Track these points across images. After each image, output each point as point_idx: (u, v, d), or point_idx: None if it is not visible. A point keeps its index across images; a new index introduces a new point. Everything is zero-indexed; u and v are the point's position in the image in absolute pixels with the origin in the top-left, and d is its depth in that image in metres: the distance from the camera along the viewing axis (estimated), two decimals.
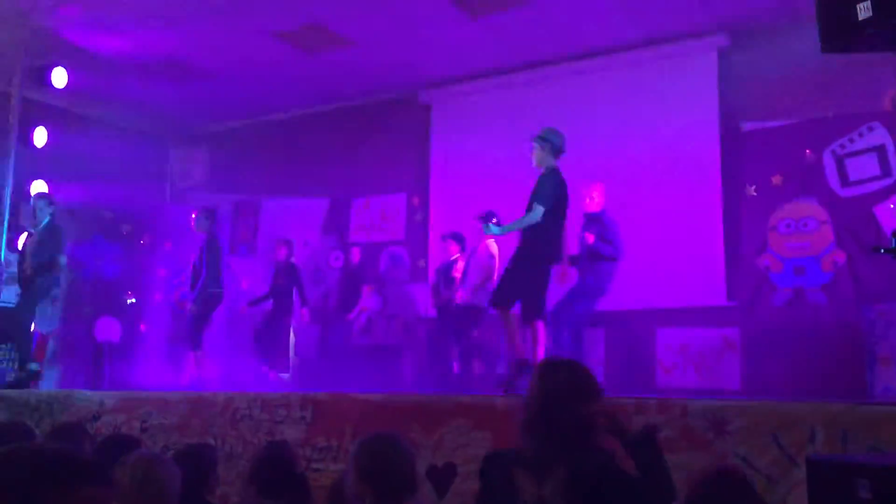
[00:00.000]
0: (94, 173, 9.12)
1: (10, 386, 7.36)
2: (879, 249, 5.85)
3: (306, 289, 9.14)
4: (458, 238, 8.31)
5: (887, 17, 2.61)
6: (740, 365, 7.51)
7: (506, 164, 9.02)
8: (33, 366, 7.59)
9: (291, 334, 10.11)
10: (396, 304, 9.09)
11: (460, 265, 8.13)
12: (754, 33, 7.98)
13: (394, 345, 9.08)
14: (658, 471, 2.48)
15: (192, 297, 8.07)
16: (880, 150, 7.26)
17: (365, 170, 10.09)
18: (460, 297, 7.81)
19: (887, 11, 2.60)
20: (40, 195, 8.10)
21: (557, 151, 6.01)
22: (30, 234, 7.80)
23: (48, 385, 8.37)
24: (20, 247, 8.06)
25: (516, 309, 5.77)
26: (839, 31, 2.77)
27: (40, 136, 8.78)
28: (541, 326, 5.68)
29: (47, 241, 7.59)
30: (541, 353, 5.62)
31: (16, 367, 7.69)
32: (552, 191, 5.80)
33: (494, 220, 7.26)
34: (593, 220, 6.81)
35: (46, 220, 7.71)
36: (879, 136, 7.28)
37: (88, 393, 6.81)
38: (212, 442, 5.31)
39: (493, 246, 7.75)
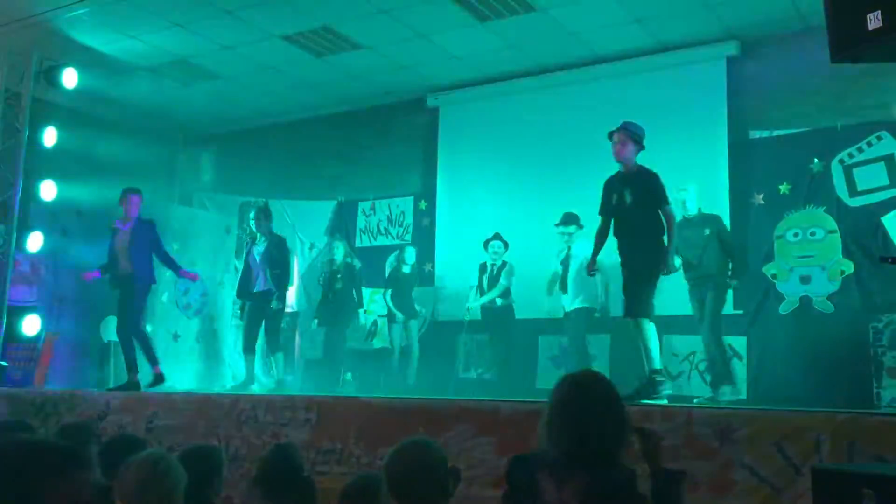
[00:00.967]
0: (103, 174, 9.14)
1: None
2: (887, 259, 5.85)
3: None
4: (503, 240, 8.41)
5: None
6: (746, 373, 7.49)
7: (513, 169, 9.04)
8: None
9: (297, 336, 10.13)
10: (401, 307, 9.08)
11: (508, 267, 8.35)
12: (763, 42, 7.98)
13: (400, 348, 9.07)
14: None
15: (258, 297, 7.86)
16: (888, 160, 7.25)
17: (372, 173, 10.11)
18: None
19: None
20: None
21: (638, 146, 5.76)
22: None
23: (54, 385, 8.39)
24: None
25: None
26: (849, 41, 2.77)
27: (50, 136, 8.82)
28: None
29: None
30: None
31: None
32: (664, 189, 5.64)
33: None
34: None
35: None
36: (888, 145, 7.26)
37: (94, 393, 6.83)
38: (217, 443, 5.31)
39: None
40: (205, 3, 7.73)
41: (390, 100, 10.01)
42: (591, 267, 5.91)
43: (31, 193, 8.72)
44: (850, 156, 7.43)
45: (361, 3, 7.66)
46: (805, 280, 7.47)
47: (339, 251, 9.26)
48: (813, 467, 2.29)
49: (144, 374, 7.33)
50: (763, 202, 7.80)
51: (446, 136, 9.73)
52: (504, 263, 8.40)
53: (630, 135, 5.69)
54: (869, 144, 7.35)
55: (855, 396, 6.82)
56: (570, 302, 7.78)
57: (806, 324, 7.36)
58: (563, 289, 7.81)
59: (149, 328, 10.50)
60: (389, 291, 9.06)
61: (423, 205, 9.80)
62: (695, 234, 6.91)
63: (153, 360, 7.32)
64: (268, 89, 9.86)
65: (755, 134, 8.00)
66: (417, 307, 9.07)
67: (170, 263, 7.66)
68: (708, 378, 7.30)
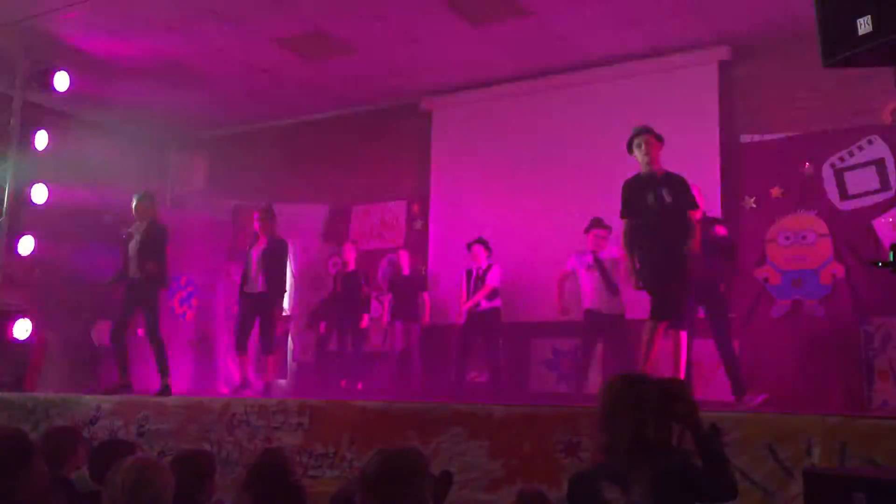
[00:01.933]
0: (95, 177, 9.11)
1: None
2: (878, 263, 5.87)
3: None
4: (486, 244, 8.36)
5: (887, 32, 2.62)
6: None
7: (505, 173, 9.05)
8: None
9: (289, 339, 10.10)
10: (395, 310, 9.07)
11: (495, 271, 8.28)
12: (755, 46, 8.00)
13: (392, 351, 9.06)
14: (723, 465, 2.65)
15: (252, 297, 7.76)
16: (879, 164, 7.28)
17: (365, 177, 10.10)
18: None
19: (887, 26, 2.61)
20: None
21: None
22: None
23: (45, 389, 8.34)
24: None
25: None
26: (840, 45, 2.78)
27: (41, 140, 8.78)
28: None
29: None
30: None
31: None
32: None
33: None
34: None
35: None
36: (879, 149, 7.29)
37: (85, 397, 6.80)
38: (208, 448, 5.30)
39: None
40: (198, 7, 7.72)
41: (383, 104, 10.01)
42: (638, 278, 5.65)
43: (22, 197, 8.68)
44: (842, 159, 7.46)
45: (354, 7, 7.66)
46: (797, 283, 7.49)
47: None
48: (805, 470, 2.29)
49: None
50: (754, 206, 7.82)
51: (439, 140, 9.73)
52: (489, 266, 8.34)
53: (657, 137, 5.69)
54: (860, 148, 7.38)
55: (846, 399, 6.85)
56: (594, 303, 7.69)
57: (798, 327, 7.38)
58: (613, 291, 7.57)
59: (139, 332, 10.50)
60: (391, 296, 9.04)
61: (416, 208, 9.79)
62: None
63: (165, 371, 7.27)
64: (260, 92, 9.84)
65: (747, 138, 8.02)
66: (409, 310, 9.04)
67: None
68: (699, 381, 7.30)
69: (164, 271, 7.47)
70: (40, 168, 8.81)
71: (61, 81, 8.65)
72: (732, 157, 8.00)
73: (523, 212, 8.80)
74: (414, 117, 9.87)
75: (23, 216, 8.71)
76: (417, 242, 9.64)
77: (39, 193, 8.74)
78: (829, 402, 6.89)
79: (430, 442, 4.71)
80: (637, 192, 5.67)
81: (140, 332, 10.04)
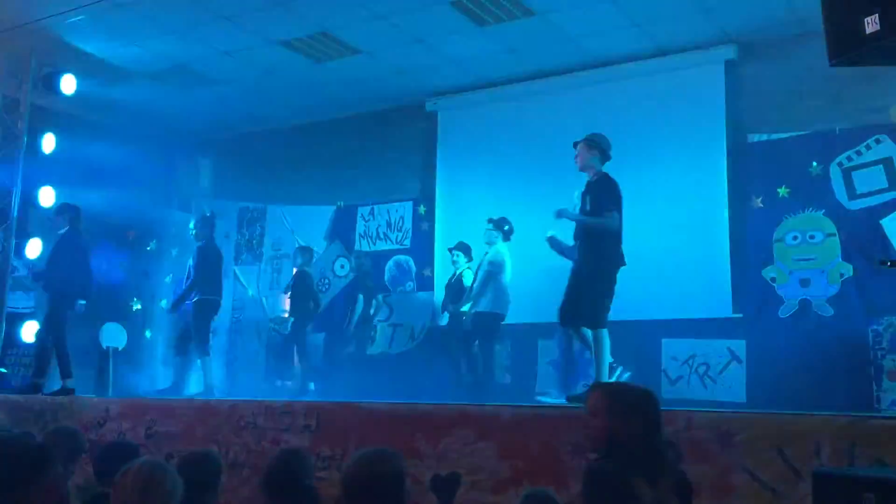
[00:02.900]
0: (102, 180, 9.14)
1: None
2: (886, 262, 5.85)
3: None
4: (466, 249, 8.32)
5: (895, 31, 2.61)
6: (746, 377, 7.49)
7: (512, 173, 9.04)
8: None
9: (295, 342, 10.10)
10: (402, 312, 9.08)
11: (468, 275, 8.17)
12: (762, 45, 7.98)
13: (399, 354, 9.06)
14: None
15: (189, 304, 8.09)
16: (887, 163, 7.25)
17: (371, 178, 10.10)
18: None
19: (895, 25, 2.60)
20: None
21: (605, 157, 5.97)
22: None
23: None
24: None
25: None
26: (847, 44, 2.77)
27: (48, 143, 8.82)
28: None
29: None
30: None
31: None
32: (618, 195, 5.77)
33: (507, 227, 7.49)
34: None
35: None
36: (887, 148, 7.27)
37: (94, 399, 6.83)
38: (216, 449, 5.30)
39: (501, 255, 7.78)
40: (204, 9, 7.73)
41: (389, 105, 10.01)
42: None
43: (29, 200, 8.72)
44: (849, 159, 7.43)
45: (360, 8, 7.66)
46: (804, 283, 7.46)
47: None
48: (813, 471, 2.28)
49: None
50: (762, 205, 7.80)
51: (445, 141, 9.73)
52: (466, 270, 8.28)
53: (588, 143, 5.95)
54: (868, 147, 7.36)
55: (855, 400, 6.82)
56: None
57: (805, 327, 7.36)
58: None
59: (148, 334, 10.54)
60: (392, 297, 9.05)
61: (422, 209, 9.79)
62: None
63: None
64: (267, 95, 9.86)
65: (754, 137, 8.00)
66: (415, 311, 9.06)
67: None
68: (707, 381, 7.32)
69: (67, 281, 7.69)
70: (48, 171, 8.86)
71: (68, 84, 8.69)
72: (740, 157, 7.98)
73: (530, 212, 8.78)
74: (420, 118, 9.87)
75: (30, 219, 8.75)
76: (423, 243, 9.64)
77: (47, 196, 8.78)
78: (837, 402, 6.86)
79: (438, 443, 4.71)
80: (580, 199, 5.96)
81: (148, 334, 10.12)
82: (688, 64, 8.31)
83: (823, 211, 7.49)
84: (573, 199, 6.23)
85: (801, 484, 3.62)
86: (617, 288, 7.50)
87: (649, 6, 7.55)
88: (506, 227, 7.98)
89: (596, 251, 5.71)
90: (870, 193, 7.30)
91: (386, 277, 9.66)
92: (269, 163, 10.73)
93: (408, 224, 9.87)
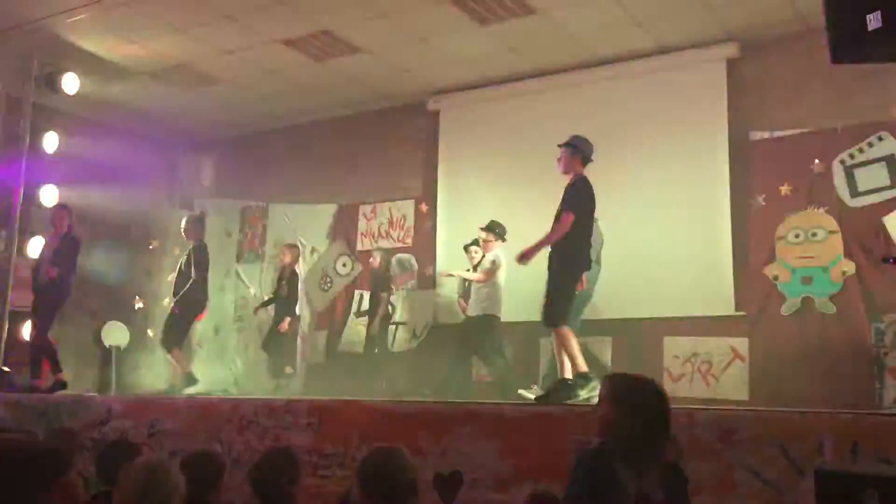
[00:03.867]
0: (104, 178, 9.16)
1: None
2: (888, 259, 5.85)
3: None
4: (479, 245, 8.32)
5: None
6: (748, 375, 7.48)
7: (514, 172, 9.03)
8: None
9: (298, 340, 10.11)
10: (403, 311, 9.08)
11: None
12: (763, 43, 7.97)
13: (401, 353, 9.06)
14: None
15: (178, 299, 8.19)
16: (890, 160, 7.24)
17: (373, 176, 10.10)
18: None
19: None
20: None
21: (586, 159, 6.01)
22: None
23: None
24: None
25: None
26: (849, 42, 2.77)
27: (51, 142, 8.83)
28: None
29: None
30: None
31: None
32: (581, 199, 5.83)
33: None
34: None
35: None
36: (889, 145, 7.26)
37: (96, 398, 6.83)
38: (218, 448, 5.31)
39: (500, 258, 7.78)
40: (205, 8, 7.74)
41: (390, 103, 10.01)
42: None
43: (32, 199, 8.73)
44: (851, 156, 7.42)
45: (361, 7, 7.67)
46: (807, 281, 7.46)
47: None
48: (816, 469, 2.28)
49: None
50: (764, 203, 7.80)
51: (447, 139, 9.72)
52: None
53: (570, 146, 6.01)
54: (870, 145, 7.35)
55: (858, 397, 6.81)
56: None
57: (808, 325, 7.36)
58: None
59: (150, 332, 10.55)
60: (395, 296, 9.03)
61: (423, 208, 9.79)
62: None
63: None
64: (268, 93, 9.86)
65: (756, 135, 7.99)
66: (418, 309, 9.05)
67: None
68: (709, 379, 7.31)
69: (67, 280, 7.82)
70: (50, 170, 8.87)
71: (70, 84, 8.70)
72: (741, 155, 7.97)
73: (531, 211, 8.78)
74: (421, 117, 9.87)
75: (33, 218, 8.77)
76: (425, 242, 9.64)
77: (49, 195, 8.79)
78: (840, 399, 6.85)
79: (440, 442, 4.71)
80: None
81: (150, 332, 10.13)
82: (689, 62, 8.30)
83: (826, 208, 7.48)
84: None
85: (803, 481, 3.62)
86: (618, 286, 7.53)
87: (651, 4, 7.55)
88: (497, 230, 7.99)
89: (557, 252, 5.83)
90: (872, 191, 7.29)
91: (388, 276, 9.64)
92: (271, 161, 10.73)
93: (409, 222, 9.87)
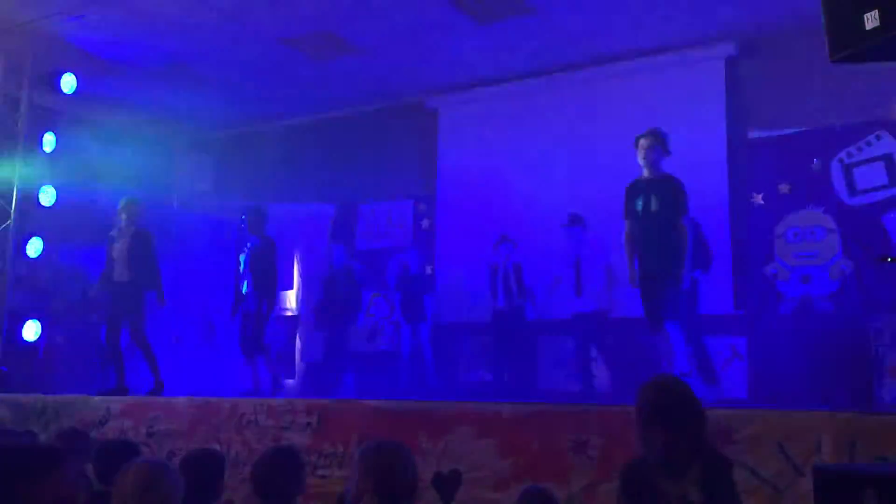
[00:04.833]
0: (102, 178, 9.14)
1: None
2: (887, 258, 5.85)
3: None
4: (512, 240, 8.34)
5: (895, 26, 2.60)
6: (747, 373, 7.49)
7: (513, 171, 9.04)
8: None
9: (297, 340, 10.12)
10: (403, 310, 9.06)
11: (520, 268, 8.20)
12: (762, 42, 7.98)
13: (401, 351, 9.05)
14: None
15: (253, 301, 7.52)
16: (888, 159, 7.25)
17: (371, 176, 10.10)
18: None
19: (895, 20, 2.59)
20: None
21: (666, 154, 5.77)
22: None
23: (55, 390, 8.38)
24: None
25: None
26: (847, 40, 2.76)
27: (49, 142, 8.81)
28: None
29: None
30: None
31: None
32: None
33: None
34: None
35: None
36: (887, 144, 7.27)
37: (95, 398, 6.82)
38: (218, 448, 5.31)
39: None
40: (203, 8, 7.73)
41: (389, 102, 10.01)
42: (635, 278, 5.73)
43: (29, 199, 8.71)
44: (850, 155, 7.43)
45: (360, 6, 7.66)
46: (805, 280, 7.46)
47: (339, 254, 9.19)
48: (814, 467, 2.28)
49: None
50: (763, 202, 7.80)
51: (445, 139, 9.73)
52: (517, 265, 8.27)
53: (658, 140, 5.69)
54: (868, 144, 7.36)
55: (856, 396, 6.82)
56: (580, 304, 7.70)
57: (806, 323, 7.36)
58: (578, 291, 7.66)
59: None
60: (398, 295, 9.01)
61: (422, 207, 9.79)
62: None
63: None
64: (267, 93, 9.86)
65: (754, 134, 8.00)
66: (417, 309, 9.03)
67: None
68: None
69: (156, 275, 7.48)
70: (48, 170, 8.85)
71: (68, 83, 8.68)
72: (740, 154, 7.98)
73: (530, 210, 8.80)
74: (420, 116, 9.87)
75: (31, 218, 8.75)
76: (424, 241, 9.64)
77: (47, 195, 8.78)
78: (838, 398, 6.86)
79: (439, 441, 4.72)
80: (630, 196, 5.77)
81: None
82: (688, 61, 8.31)
83: (824, 207, 7.49)
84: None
85: (801, 480, 3.62)
86: (619, 285, 7.56)
87: (649, 3, 7.54)
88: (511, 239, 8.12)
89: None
90: (870, 190, 7.30)
91: (387, 275, 9.65)
92: (270, 161, 10.71)
93: (408, 222, 9.87)
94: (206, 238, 10.61)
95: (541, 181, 8.79)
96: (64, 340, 9.12)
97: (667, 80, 8.31)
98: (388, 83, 9.51)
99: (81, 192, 9.13)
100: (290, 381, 9.63)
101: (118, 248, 7.44)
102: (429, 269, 9.50)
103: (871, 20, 2.61)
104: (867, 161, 7.33)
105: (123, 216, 7.55)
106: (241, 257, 7.79)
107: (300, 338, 10.13)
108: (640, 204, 5.65)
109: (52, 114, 9.15)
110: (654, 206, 5.58)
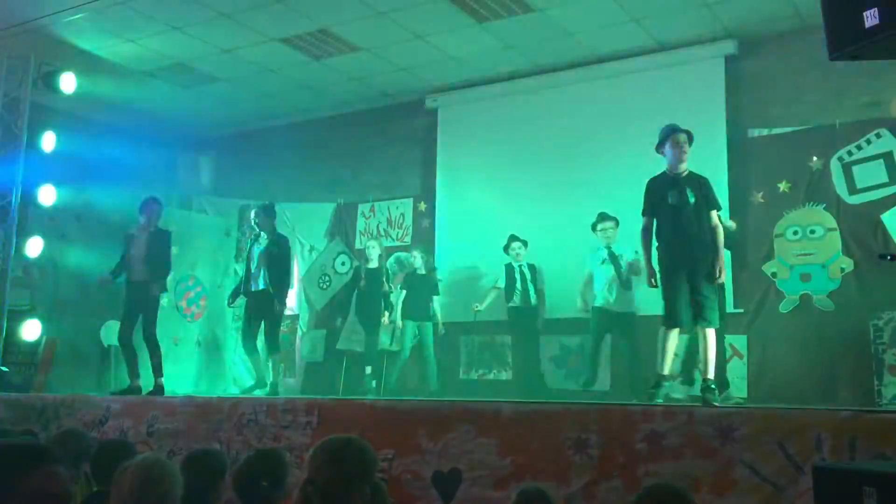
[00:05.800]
0: (102, 178, 9.14)
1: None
2: (886, 256, 5.84)
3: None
4: (521, 239, 8.27)
5: (894, 25, 2.60)
6: (747, 372, 7.49)
7: (512, 169, 9.04)
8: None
9: (297, 339, 10.11)
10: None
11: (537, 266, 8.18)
12: (761, 40, 7.98)
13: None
14: None
15: (269, 299, 7.43)
16: (888, 157, 7.24)
17: (371, 174, 10.11)
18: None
19: (894, 19, 2.59)
20: None
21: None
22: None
23: (55, 389, 8.38)
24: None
25: None
26: (846, 38, 2.77)
27: (48, 141, 8.81)
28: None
29: None
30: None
31: None
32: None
33: None
34: None
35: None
36: (887, 142, 7.26)
37: (94, 397, 6.82)
38: (217, 447, 5.30)
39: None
40: (203, 7, 7.73)
41: (389, 101, 10.02)
42: (654, 275, 5.63)
43: (30, 198, 8.71)
44: (850, 153, 7.43)
45: (359, 5, 7.66)
46: (805, 278, 7.46)
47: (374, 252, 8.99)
48: (814, 465, 2.28)
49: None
50: (762, 200, 7.80)
51: (445, 138, 9.72)
52: (532, 265, 8.22)
53: (691, 136, 5.74)
54: (868, 142, 7.35)
55: (856, 394, 6.83)
56: (607, 300, 7.49)
57: (806, 322, 7.37)
58: (626, 286, 7.42)
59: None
60: (403, 294, 8.96)
61: (422, 206, 9.79)
62: None
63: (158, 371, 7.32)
64: (266, 92, 9.86)
65: (754, 132, 8.00)
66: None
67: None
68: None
69: (166, 271, 7.53)
70: (48, 169, 8.85)
71: (68, 83, 8.68)
72: (740, 152, 7.97)
73: (530, 208, 8.79)
74: (420, 114, 9.87)
75: (31, 217, 8.75)
76: (424, 240, 9.63)
77: (47, 195, 8.78)
78: (838, 396, 6.87)
79: (439, 440, 4.71)
80: (660, 191, 5.60)
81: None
82: (688, 59, 8.31)
83: (824, 205, 7.49)
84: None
85: (802, 478, 3.62)
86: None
87: (649, 1, 7.55)
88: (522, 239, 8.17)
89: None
90: (870, 188, 7.30)
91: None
92: (270, 160, 10.73)
93: (408, 221, 9.87)
94: (206, 238, 10.59)
95: (540, 179, 8.79)
96: (64, 340, 9.11)
97: (666, 79, 8.31)
98: (388, 82, 9.52)
99: (81, 192, 9.13)
100: (290, 381, 9.63)
101: (137, 247, 7.42)
102: (429, 269, 9.48)
103: (871, 18, 2.61)
104: (867, 159, 7.33)
105: (146, 214, 7.52)
106: (256, 251, 7.68)
107: (300, 337, 10.13)
108: (673, 197, 5.50)
109: (53, 113, 9.15)
110: (691, 199, 5.49)
